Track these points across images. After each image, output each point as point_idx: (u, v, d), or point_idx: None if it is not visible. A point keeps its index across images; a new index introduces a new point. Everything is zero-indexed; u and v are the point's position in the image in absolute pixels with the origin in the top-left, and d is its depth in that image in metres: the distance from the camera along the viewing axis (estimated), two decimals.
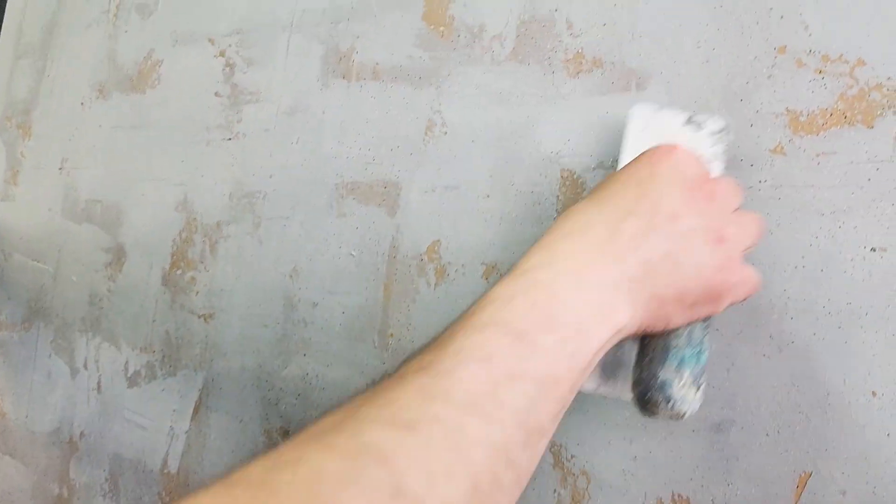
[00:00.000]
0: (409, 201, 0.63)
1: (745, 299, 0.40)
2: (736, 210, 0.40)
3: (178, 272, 0.77)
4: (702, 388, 0.40)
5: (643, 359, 0.40)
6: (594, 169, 0.55)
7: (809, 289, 0.46)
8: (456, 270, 0.60)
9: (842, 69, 0.47)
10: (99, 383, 0.81)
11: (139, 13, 0.87)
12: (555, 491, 0.53)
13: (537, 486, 0.54)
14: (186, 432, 0.73)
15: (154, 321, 0.78)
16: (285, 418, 0.66)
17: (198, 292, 0.75)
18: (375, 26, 0.67)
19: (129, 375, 0.79)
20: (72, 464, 0.82)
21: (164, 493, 0.74)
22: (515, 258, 0.56)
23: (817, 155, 0.47)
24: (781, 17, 0.49)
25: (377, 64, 0.67)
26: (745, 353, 0.47)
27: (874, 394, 0.43)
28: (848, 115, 0.46)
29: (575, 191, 0.55)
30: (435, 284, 0.60)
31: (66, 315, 0.86)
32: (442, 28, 0.64)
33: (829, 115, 0.47)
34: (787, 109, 0.48)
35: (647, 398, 0.39)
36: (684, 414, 0.39)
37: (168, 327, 0.76)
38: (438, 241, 0.61)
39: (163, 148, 0.81)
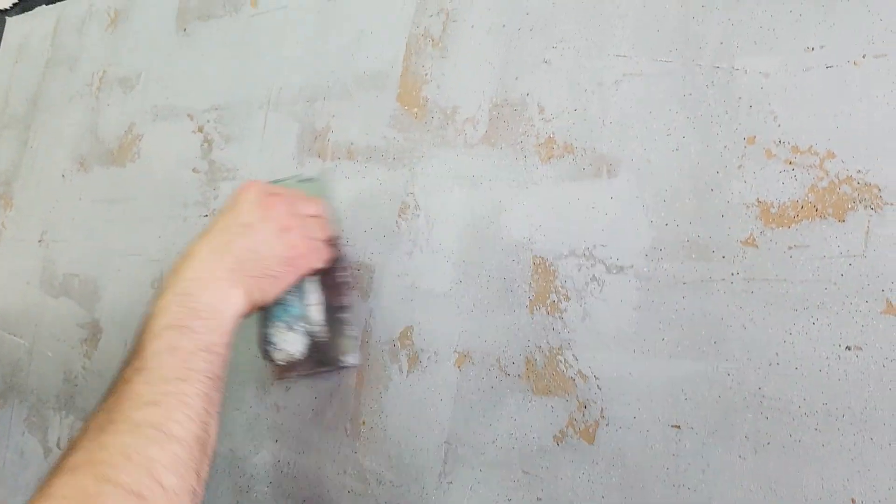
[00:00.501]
0: (382, 285, 0.62)
1: (324, 266, 0.58)
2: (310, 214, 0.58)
3: None
4: (300, 330, 0.58)
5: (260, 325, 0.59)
6: (566, 256, 0.54)
7: (785, 387, 0.45)
8: (429, 358, 0.58)
9: (811, 161, 0.46)
10: None
11: (121, 87, 0.87)
12: None
13: None
14: None
15: None
16: None
17: None
18: (351, 106, 0.67)
19: None
20: None
21: None
22: (488, 347, 0.55)
23: (789, 248, 0.46)
24: (750, 106, 0.49)
25: (352, 143, 0.66)
26: (719, 454, 0.46)
27: (853, 501, 0.42)
28: (819, 207, 0.45)
29: (547, 278, 0.54)
30: (408, 371, 0.59)
31: (41, 392, 0.84)
32: (416, 109, 0.63)
33: (800, 207, 0.46)
34: (759, 200, 0.47)
35: (262, 350, 0.59)
36: (291, 354, 0.58)
37: None
38: (411, 326, 0.59)
39: (140, 223, 0.80)
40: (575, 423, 0.51)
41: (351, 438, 0.61)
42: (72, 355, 0.82)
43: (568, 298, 0.53)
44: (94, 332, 0.81)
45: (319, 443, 0.62)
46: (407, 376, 0.59)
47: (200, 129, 0.78)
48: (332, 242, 0.60)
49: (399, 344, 0.60)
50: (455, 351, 0.57)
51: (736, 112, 0.49)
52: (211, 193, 0.75)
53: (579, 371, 0.52)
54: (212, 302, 0.49)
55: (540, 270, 0.55)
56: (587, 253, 0.53)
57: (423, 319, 0.59)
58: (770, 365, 0.45)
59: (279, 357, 0.58)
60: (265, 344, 0.58)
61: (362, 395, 0.61)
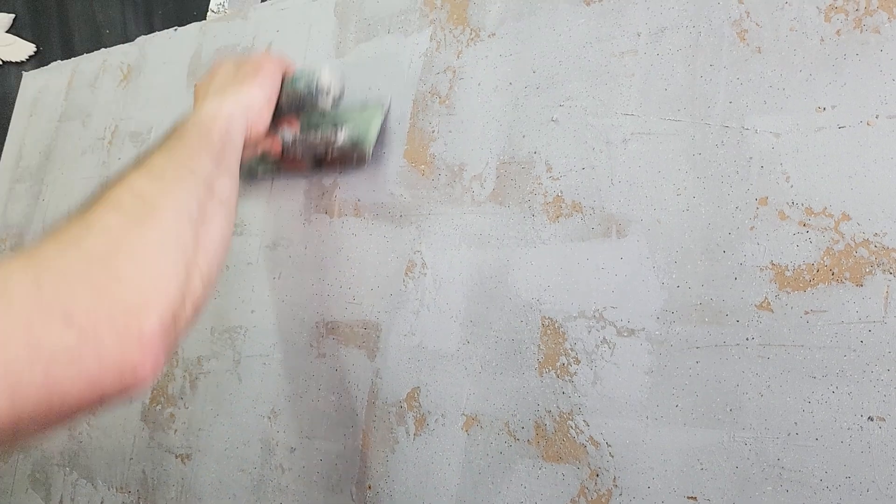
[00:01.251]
0: (389, 344, 0.61)
1: (277, 64, 0.63)
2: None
3: (158, 407, 0.74)
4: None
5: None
6: (576, 318, 0.52)
7: (805, 459, 0.43)
8: (436, 420, 0.57)
9: (826, 223, 0.45)
10: None
11: (133, 141, 0.88)
12: None
13: None
14: None
15: (132, 459, 0.75)
16: None
17: (176, 430, 0.72)
18: None
19: None
20: None
21: None
22: (497, 410, 0.53)
23: (806, 313, 0.45)
24: (762, 166, 0.48)
25: (359, 200, 0.66)
26: None
27: None
28: (836, 271, 0.44)
29: (556, 340, 0.53)
30: (415, 434, 0.58)
31: (46, 448, 0.83)
32: (423, 166, 0.63)
33: (815, 270, 0.45)
34: (773, 263, 0.46)
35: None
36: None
37: (145, 466, 0.73)
38: (418, 388, 0.58)
39: None
40: (587, 491, 0.49)
41: (356, 503, 0.59)
42: None
43: (578, 361, 0.52)
44: None
45: None
46: (414, 439, 0.57)
47: None
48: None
49: (406, 405, 0.58)
50: (463, 414, 0.56)
51: (747, 172, 0.48)
52: None
53: (591, 437, 0.50)
54: (229, 122, 0.54)
55: (549, 332, 0.53)
56: (597, 315, 0.52)
57: (431, 381, 0.58)
58: (789, 435, 0.44)
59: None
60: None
61: (368, 458, 0.59)
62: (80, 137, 0.95)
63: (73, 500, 0.79)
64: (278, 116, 0.63)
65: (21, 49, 1.23)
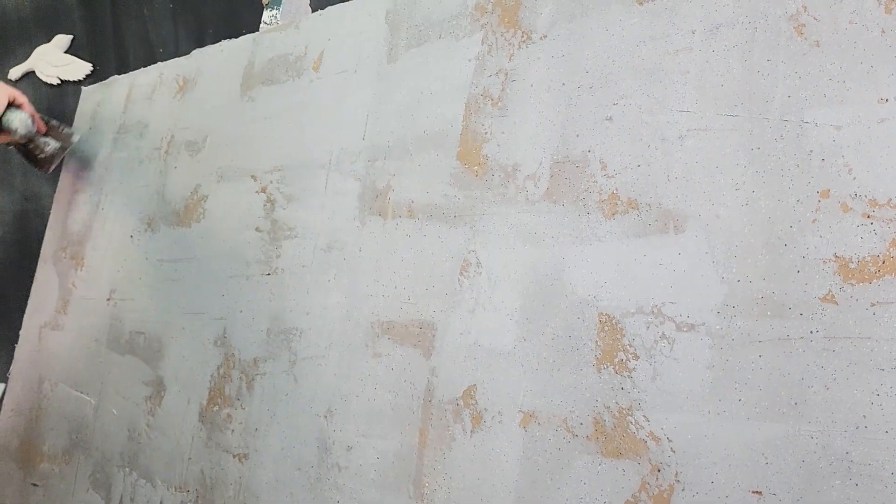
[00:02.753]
0: (445, 343, 0.61)
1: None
2: None
3: (215, 408, 0.76)
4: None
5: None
6: (634, 314, 0.52)
7: (875, 452, 0.42)
8: (493, 417, 0.57)
9: (891, 214, 0.45)
10: None
11: (188, 150, 0.90)
12: None
13: None
14: None
15: (190, 459, 0.76)
16: None
17: (233, 430, 0.74)
18: (411, 165, 0.68)
19: None
20: None
21: None
22: (554, 406, 0.53)
23: (872, 305, 0.44)
24: (822, 159, 0.48)
25: (412, 202, 0.67)
26: None
27: None
28: None
29: (614, 336, 0.53)
30: (472, 431, 0.58)
31: (106, 449, 0.86)
32: (476, 167, 0.64)
33: (881, 262, 0.44)
34: (836, 255, 0.46)
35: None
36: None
37: (203, 466, 0.75)
38: (474, 385, 0.59)
39: (204, 281, 0.82)
40: (648, 487, 0.49)
41: (414, 500, 0.59)
42: (136, 413, 0.84)
43: (637, 357, 0.52)
44: (157, 390, 0.82)
45: None
46: (471, 436, 0.58)
47: (263, 190, 0.80)
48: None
49: (462, 403, 0.59)
50: (520, 410, 0.56)
51: (808, 165, 0.48)
52: (273, 252, 0.76)
53: (651, 433, 0.50)
54: None
55: (606, 328, 0.53)
56: (655, 310, 0.52)
57: (487, 378, 0.58)
58: (857, 428, 0.43)
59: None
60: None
61: (425, 456, 0.60)
62: (137, 148, 0.98)
63: (132, 499, 0.81)
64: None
65: (79, 69, 1.28)
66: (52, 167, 1.01)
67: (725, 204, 0.51)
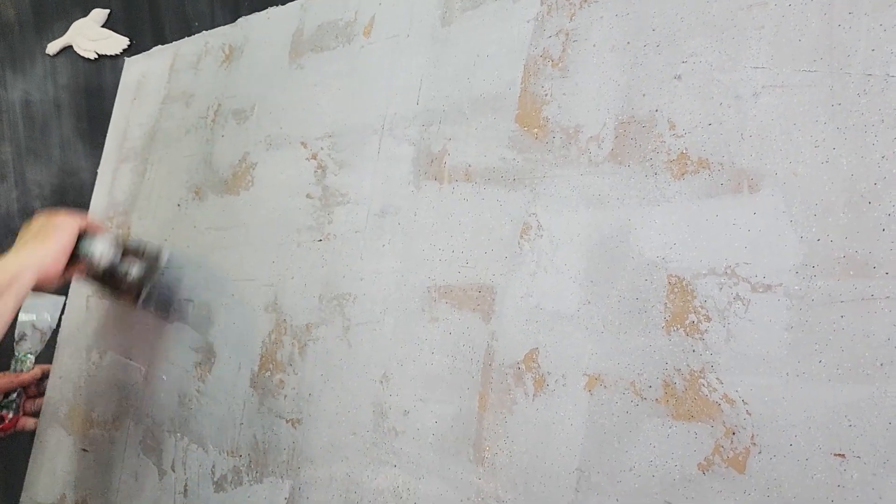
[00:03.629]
0: (505, 306, 0.60)
1: (71, 226, 0.81)
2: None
3: (267, 374, 0.76)
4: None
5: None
6: (705, 275, 0.51)
7: None
8: (556, 381, 0.56)
9: None
10: (185, 487, 0.80)
11: (236, 119, 0.90)
12: None
13: None
14: None
15: (242, 424, 0.77)
16: None
17: (286, 395, 0.74)
18: (467, 129, 0.67)
19: (215, 479, 0.77)
20: None
21: None
22: (621, 369, 0.52)
23: None
24: None
25: (469, 166, 0.66)
26: (894, 486, 0.42)
27: None
28: None
29: (685, 298, 0.52)
30: (534, 395, 0.57)
31: (156, 415, 0.86)
32: (536, 130, 0.63)
33: None
34: None
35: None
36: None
37: (256, 431, 0.75)
38: (536, 349, 0.58)
39: (254, 248, 0.82)
40: (722, 450, 0.48)
41: (474, 464, 0.59)
42: (186, 379, 0.84)
43: (709, 319, 0.50)
44: (207, 356, 0.83)
45: (440, 469, 0.61)
46: (533, 400, 0.57)
47: (314, 156, 0.79)
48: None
49: (524, 366, 0.58)
50: (585, 374, 0.55)
51: (893, 120, 0.46)
52: (325, 218, 0.76)
53: (725, 395, 0.49)
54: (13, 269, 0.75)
55: (676, 290, 0.52)
56: (729, 271, 0.50)
57: (550, 341, 0.57)
58: None
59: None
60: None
61: (485, 420, 0.59)
62: (183, 117, 0.98)
63: (184, 463, 0.81)
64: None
65: (116, 43, 1.28)
66: (143, 295, 0.87)
67: (804, 162, 0.49)
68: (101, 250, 0.83)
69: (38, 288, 0.77)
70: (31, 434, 1.03)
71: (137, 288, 0.86)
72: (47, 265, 0.77)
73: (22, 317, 1.04)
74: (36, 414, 1.03)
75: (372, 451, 0.65)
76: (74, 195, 1.33)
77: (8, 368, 1.02)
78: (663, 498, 0.50)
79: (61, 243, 0.79)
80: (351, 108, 0.78)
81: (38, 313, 1.04)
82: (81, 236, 0.82)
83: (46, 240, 0.78)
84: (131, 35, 1.25)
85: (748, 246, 0.50)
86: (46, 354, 1.05)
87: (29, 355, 1.02)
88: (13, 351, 1.04)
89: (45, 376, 1.03)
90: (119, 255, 0.86)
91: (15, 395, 1.01)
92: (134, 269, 0.86)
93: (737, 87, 0.53)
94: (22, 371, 1.01)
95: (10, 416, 1.00)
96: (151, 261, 0.88)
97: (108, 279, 0.86)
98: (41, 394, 1.03)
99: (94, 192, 1.09)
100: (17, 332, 1.04)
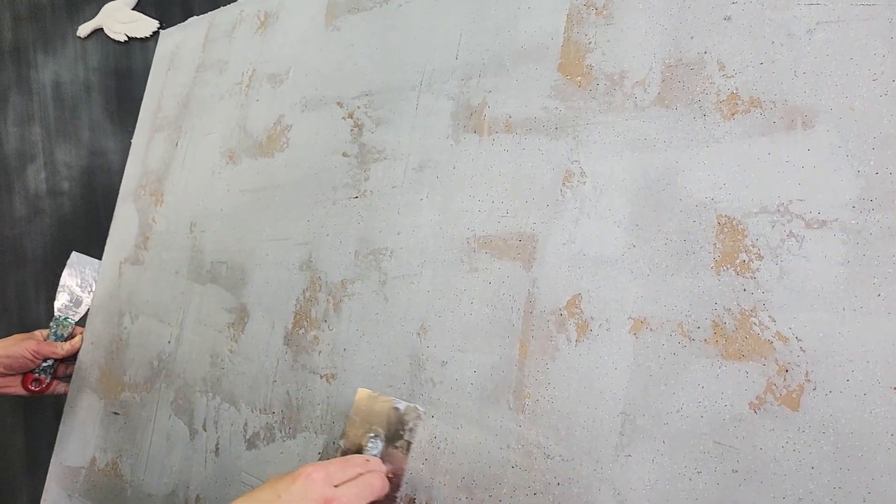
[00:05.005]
0: (547, 254, 0.60)
1: None
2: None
3: (301, 331, 0.76)
4: None
5: None
6: (757, 213, 0.50)
7: None
8: (600, 325, 0.55)
9: None
10: (217, 445, 0.80)
11: (270, 83, 0.90)
12: None
13: None
14: None
15: (275, 381, 0.76)
16: (412, 485, 0.62)
17: (320, 352, 0.73)
18: (508, 80, 0.67)
19: (247, 437, 0.77)
20: None
21: None
22: (668, 312, 0.51)
23: None
24: None
25: (510, 117, 0.65)
26: None
27: None
28: None
29: (735, 237, 0.51)
30: (576, 341, 0.56)
31: (188, 375, 0.86)
32: (579, 78, 0.62)
33: None
34: None
35: None
36: None
37: (289, 388, 0.75)
38: (579, 294, 0.57)
39: (289, 208, 0.81)
40: (775, 388, 0.47)
41: (514, 412, 0.58)
42: (218, 339, 0.84)
43: (761, 257, 0.49)
44: (241, 316, 0.82)
45: (479, 417, 0.60)
46: (576, 346, 0.56)
47: (350, 115, 0.79)
48: (388, 498, 0.63)
49: (566, 313, 0.57)
50: (630, 317, 0.54)
51: None
52: (361, 175, 0.75)
53: (777, 333, 0.48)
54: None
55: (726, 230, 0.51)
56: (782, 209, 0.49)
57: (593, 287, 0.57)
58: None
59: None
60: None
61: (526, 367, 0.58)
62: (217, 85, 0.98)
63: (216, 423, 0.81)
64: None
65: (146, 25, 1.29)
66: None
67: (861, 96, 0.48)
68: None
69: None
70: (62, 397, 1.04)
71: None
72: None
73: (65, 279, 1.05)
74: (68, 378, 1.03)
75: (409, 402, 0.65)
76: (103, 177, 1.34)
77: (47, 326, 1.04)
78: (712, 438, 0.49)
79: None
80: (388, 66, 0.77)
81: (81, 276, 1.05)
82: None
83: None
84: (161, 17, 1.26)
85: (802, 183, 0.49)
86: (84, 319, 1.06)
87: (69, 320, 1.03)
88: (53, 304, 1.05)
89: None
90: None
91: (53, 360, 1.02)
92: None
93: (789, 24, 0.52)
94: (62, 335, 1.02)
95: (48, 380, 1.01)
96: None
97: None
98: (74, 359, 1.03)
99: (128, 162, 1.09)
100: (58, 294, 1.05)
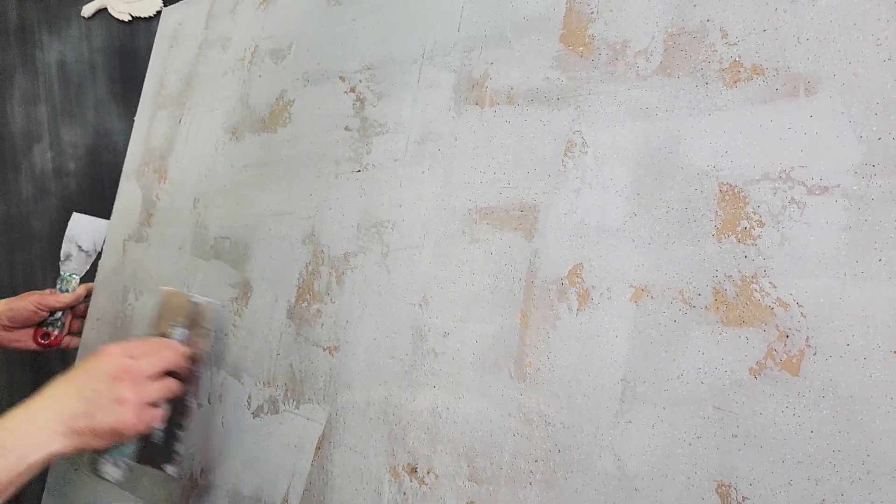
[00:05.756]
0: (548, 224, 0.60)
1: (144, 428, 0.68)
2: (156, 372, 0.70)
3: (304, 305, 0.76)
4: (122, 466, 0.76)
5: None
6: (759, 181, 0.50)
7: None
8: (601, 294, 0.56)
9: None
10: (222, 419, 0.81)
11: (273, 58, 0.90)
12: None
13: None
14: (308, 469, 0.71)
15: (278, 355, 0.77)
16: (413, 454, 0.63)
17: (323, 324, 0.73)
18: (509, 52, 0.66)
19: (252, 410, 0.78)
20: (191, 501, 0.81)
21: None
22: (669, 279, 0.51)
23: None
24: None
25: (512, 88, 0.65)
26: None
27: None
28: None
29: (736, 205, 0.51)
30: (577, 309, 0.56)
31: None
32: (581, 48, 0.62)
33: None
34: None
35: (90, 467, 0.77)
36: (110, 480, 0.76)
37: (292, 361, 0.75)
38: (581, 264, 0.57)
39: (291, 183, 0.82)
40: (775, 353, 0.47)
41: (516, 381, 0.58)
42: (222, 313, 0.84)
43: (762, 224, 0.49)
44: (244, 291, 0.83)
45: (481, 386, 0.60)
46: (577, 314, 0.56)
47: (352, 89, 0.79)
48: (190, 374, 0.77)
49: (568, 282, 0.57)
50: (631, 286, 0.54)
51: None
52: (363, 149, 0.75)
53: (778, 299, 0.48)
54: (22, 444, 0.60)
55: (728, 197, 0.51)
56: (783, 175, 0.49)
57: (594, 256, 0.57)
58: None
59: (101, 476, 0.76)
60: (93, 464, 0.76)
61: (527, 336, 0.59)
62: (219, 61, 0.98)
63: (220, 397, 0.82)
64: None
65: (149, 5, 1.28)
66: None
67: (864, 61, 0.48)
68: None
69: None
70: (74, 352, 1.05)
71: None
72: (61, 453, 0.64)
73: (68, 238, 1.07)
74: (79, 332, 1.05)
75: (411, 373, 0.65)
76: (108, 156, 1.35)
77: (54, 287, 1.05)
78: (712, 404, 0.49)
79: (99, 443, 0.66)
80: (390, 39, 0.77)
81: (84, 235, 1.07)
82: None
83: (100, 439, 0.66)
84: None
85: (804, 149, 0.49)
86: (91, 274, 1.07)
87: (74, 276, 1.04)
88: (59, 271, 1.07)
89: (89, 295, 1.06)
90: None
91: (60, 314, 1.03)
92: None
93: None
94: (67, 291, 1.03)
95: (56, 333, 1.03)
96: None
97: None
98: (84, 315, 1.05)
99: (131, 140, 1.10)
100: (62, 252, 1.07)
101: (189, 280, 0.90)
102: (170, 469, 0.77)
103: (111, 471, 0.75)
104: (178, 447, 0.77)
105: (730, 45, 0.54)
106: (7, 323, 0.99)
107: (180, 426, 0.77)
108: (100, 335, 1.01)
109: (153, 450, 0.76)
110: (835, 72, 0.49)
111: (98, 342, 1.01)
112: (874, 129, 0.46)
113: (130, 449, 0.75)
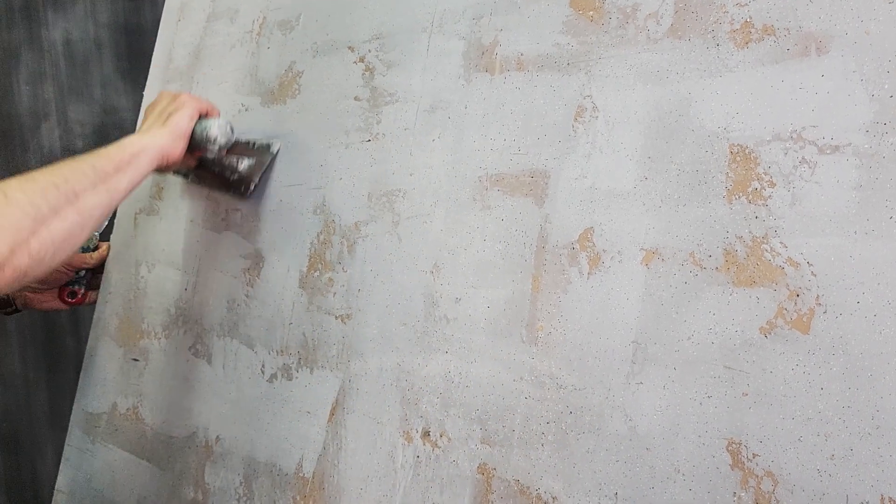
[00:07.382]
0: (559, 189, 0.60)
1: (192, 108, 0.82)
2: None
3: (316, 274, 0.77)
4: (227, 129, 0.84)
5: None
6: (770, 141, 0.50)
7: None
8: (612, 258, 0.56)
9: None
10: (236, 388, 0.82)
11: (281, 30, 0.90)
12: (734, 494, 0.48)
13: (712, 489, 0.48)
14: (322, 435, 0.72)
15: (291, 324, 0.78)
16: (426, 419, 0.64)
17: (335, 293, 0.74)
18: (519, 18, 0.66)
19: (265, 378, 0.79)
20: (207, 468, 0.83)
21: (298, 498, 0.72)
22: (680, 242, 0.52)
23: None
24: None
25: (521, 55, 0.65)
26: None
27: None
28: None
29: (747, 166, 0.51)
30: (588, 273, 0.57)
31: (205, 321, 0.88)
32: (591, 12, 0.62)
33: None
34: None
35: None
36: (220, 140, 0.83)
37: (305, 329, 0.76)
38: (591, 228, 0.57)
39: (301, 154, 0.82)
40: (785, 312, 0.47)
41: (527, 344, 0.59)
42: (234, 284, 0.85)
43: (773, 185, 0.49)
44: (256, 262, 0.83)
45: (492, 351, 0.61)
46: (588, 278, 0.57)
47: (362, 59, 0.79)
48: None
49: (578, 246, 0.58)
50: (642, 248, 0.55)
51: None
52: (373, 118, 0.75)
53: (789, 258, 0.48)
54: (139, 146, 0.75)
55: (738, 158, 0.51)
56: (794, 135, 0.49)
57: (605, 220, 0.57)
58: None
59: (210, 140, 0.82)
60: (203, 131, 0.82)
61: (538, 301, 0.59)
62: (228, 34, 0.98)
63: (234, 366, 0.83)
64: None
65: None
66: (252, 187, 0.85)
67: (877, 19, 0.48)
68: (217, 132, 0.82)
69: (160, 170, 0.80)
70: (87, 324, 1.08)
71: (248, 181, 0.85)
72: (168, 149, 0.77)
73: None
74: (98, 287, 1.08)
75: (423, 339, 0.66)
76: (116, 133, 1.35)
77: None
78: (723, 363, 0.49)
79: (181, 126, 0.79)
80: (399, 8, 0.77)
81: None
82: (199, 118, 0.83)
83: (168, 122, 0.79)
84: None
85: (815, 109, 0.49)
86: (110, 230, 1.08)
87: (94, 233, 1.06)
88: None
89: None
90: (232, 140, 0.84)
91: (84, 272, 1.06)
92: (244, 162, 0.85)
93: None
94: (90, 248, 1.05)
95: (82, 290, 1.05)
96: (263, 151, 0.85)
97: (220, 169, 0.86)
98: (102, 269, 1.08)
99: (140, 116, 1.10)
100: None
101: (201, 252, 0.91)
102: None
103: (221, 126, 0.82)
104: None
105: (741, 5, 0.54)
106: (36, 285, 1.01)
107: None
108: (113, 308, 1.02)
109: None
110: (847, 30, 0.49)
111: (112, 316, 1.02)
112: (886, 86, 0.46)
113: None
